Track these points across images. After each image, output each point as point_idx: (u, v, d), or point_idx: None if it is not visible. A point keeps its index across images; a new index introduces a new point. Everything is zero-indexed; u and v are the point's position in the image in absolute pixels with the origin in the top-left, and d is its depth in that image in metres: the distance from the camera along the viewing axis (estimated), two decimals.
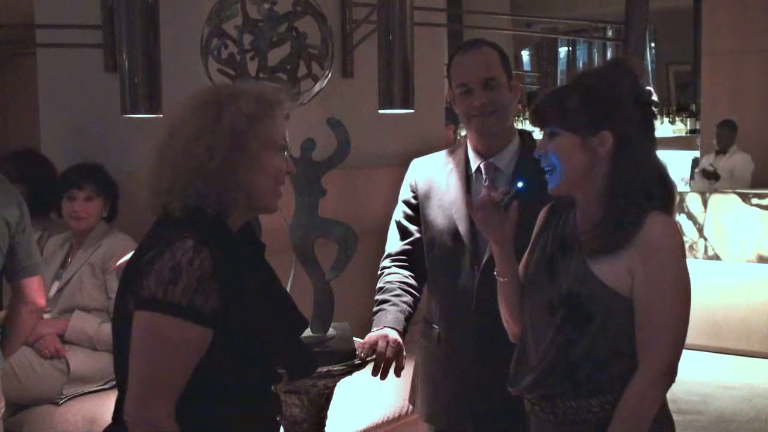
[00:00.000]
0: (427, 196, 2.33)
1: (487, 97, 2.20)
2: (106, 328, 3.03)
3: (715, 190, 7.03)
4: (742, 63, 8.48)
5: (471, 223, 2.20)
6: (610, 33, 9.96)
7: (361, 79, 3.70)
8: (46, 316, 2.99)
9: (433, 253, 2.31)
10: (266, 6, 2.27)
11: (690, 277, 1.77)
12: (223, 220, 1.63)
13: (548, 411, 1.82)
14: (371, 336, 2.19)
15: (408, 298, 2.30)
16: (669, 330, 1.73)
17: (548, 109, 1.83)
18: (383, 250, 2.42)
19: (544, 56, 13.57)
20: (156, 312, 1.51)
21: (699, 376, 5.44)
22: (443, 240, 2.27)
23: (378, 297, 2.31)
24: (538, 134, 2.01)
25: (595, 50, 12.38)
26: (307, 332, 2.16)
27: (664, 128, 10.87)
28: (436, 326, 2.33)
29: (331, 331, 2.26)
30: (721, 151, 7.96)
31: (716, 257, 6.67)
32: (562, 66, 13.47)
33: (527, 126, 10.06)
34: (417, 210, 2.37)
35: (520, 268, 1.96)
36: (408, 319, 2.27)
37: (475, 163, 2.29)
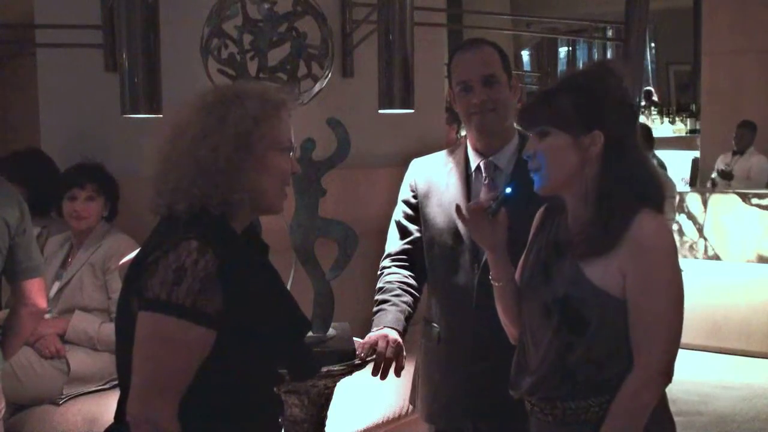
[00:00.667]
0: (427, 196, 2.34)
1: (487, 94, 2.20)
2: (107, 328, 3.03)
3: (714, 190, 7.04)
4: (742, 63, 8.49)
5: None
6: (610, 33, 9.97)
7: (361, 79, 3.70)
8: (47, 316, 2.99)
9: (432, 253, 2.31)
10: (266, 6, 2.27)
11: (682, 275, 1.77)
12: (228, 221, 1.63)
13: (548, 412, 1.82)
14: (371, 336, 2.19)
15: (408, 298, 2.30)
16: (663, 329, 1.72)
17: (539, 108, 1.82)
18: (383, 250, 2.42)
19: (544, 56, 13.57)
20: (160, 313, 1.51)
21: (699, 376, 5.44)
22: (443, 239, 2.27)
23: (378, 297, 2.31)
24: None
25: (595, 50, 12.38)
26: (309, 331, 2.16)
27: (664, 128, 10.87)
28: (436, 325, 2.33)
29: (331, 331, 2.26)
30: (739, 152, 7.91)
31: (716, 257, 6.68)
32: (562, 66, 13.47)
33: None
34: (417, 210, 2.37)
35: (517, 271, 1.96)
36: (408, 319, 2.27)
37: (474, 162, 2.29)
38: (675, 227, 6.65)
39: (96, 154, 3.34)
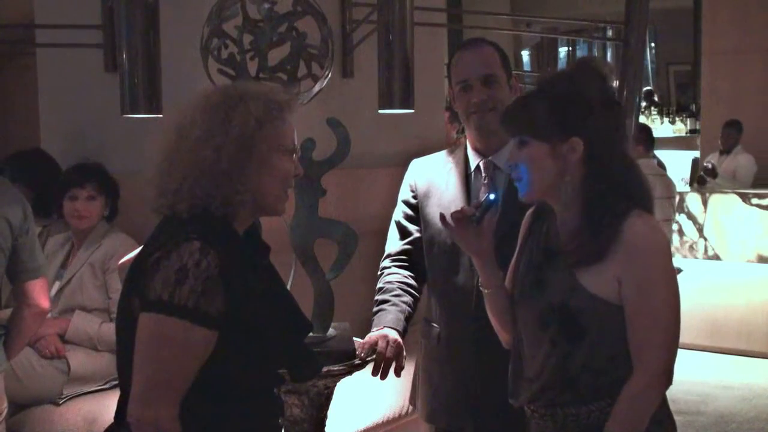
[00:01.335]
0: (427, 196, 2.34)
1: (487, 93, 2.20)
2: (107, 329, 3.03)
3: (715, 190, 7.04)
4: (742, 63, 8.49)
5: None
6: (610, 33, 9.97)
7: (361, 79, 3.70)
8: (47, 316, 2.99)
9: (432, 253, 2.31)
10: (266, 6, 2.27)
11: (680, 274, 1.77)
12: (229, 221, 1.63)
13: (548, 418, 1.82)
14: (371, 336, 2.19)
15: (408, 298, 2.30)
16: (661, 332, 1.71)
17: (516, 117, 1.80)
18: (383, 250, 2.42)
19: (544, 56, 13.57)
20: (161, 314, 1.51)
21: (699, 376, 5.44)
22: (442, 239, 2.27)
23: (378, 297, 2.31)
24: None
25: (595, 50, 12.38)
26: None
27: (664, 128, 10.88)
28: (436, 325, 2.33)
29: (331, 331, 2.26)
30: (726, 151, 7.94)
31: (716, 257, 6.69)
32: (562, 66, 13.46)
33: None
34: (416, 210, 2.37)
35: (508, 276, 1.95)
36: (408, 319, 2.27)
37: (474, 161, 2.29)
38: (675, 227, 6.66)
39: (96, 154, 3.34)
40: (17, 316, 2.63)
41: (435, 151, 2.45)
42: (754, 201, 6.54)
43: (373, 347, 2.15)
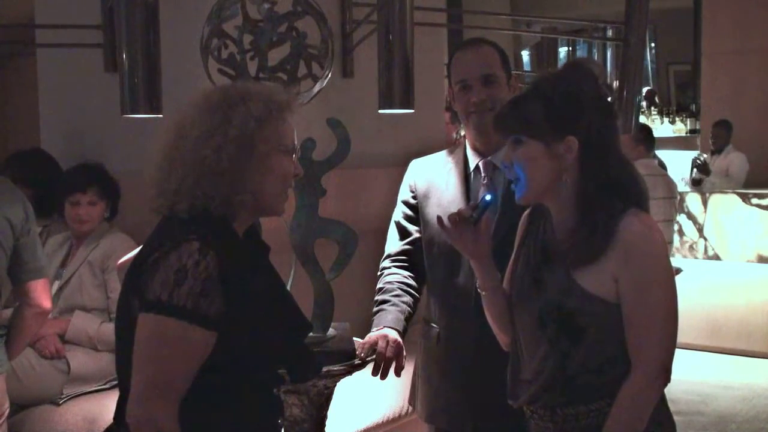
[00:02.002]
0: (427, 196, 2.34)
1: (486, 93, 2.20)
2: (107, 328, 3.03)
3: (715, 190, 7.04)
4: (742, 63, 8.49)
5: None
6: (610, 33, 9.95)
7: (361, 79, 3.70)
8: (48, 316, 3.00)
9: (432, 253, 2.31)
10: (266, 6, 2.27)
11: (679, 273, 1.77)
12: (229, 222, 1.63)
13: (547, 419, 1.81)
14: (371, 336, 2.19)
15: (408, 298, 2.30)
16: (659, 330, 1.71)
17: (510, 117, 1.79)
18: (383, 250, 2.42)
19: (544, 56, 13.57)
20: (161, 315, 1.51)
21: (699, 376, 5.44)
22: (442, 239, 2.26)
23: (378, 297, 2.31)
24: None
25: (595, 50, 12.37)
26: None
27: (664, 128, 10.87)
28: (435, 326, 2.33)
29: (331, 331, 2.26)
30: (717, 151, 7.95)
31: (716, 257, 6.68)
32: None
33: None
34: (416, 210, 2.37)
35: (506, 277, 1.94)
36: (408, 319, 2.27)
37: (473, 161, 2.29)
38: (675, 227, 6.66)
39: (96, 154, 3.34)
40: (18, 317, 2.63)
41: (435, 151, 2.45)
42: (754, 201, 6.54)
43: (373, 347, 2.15)
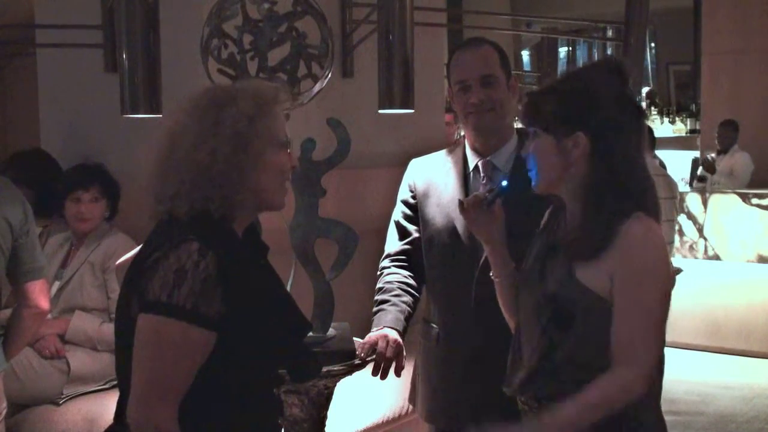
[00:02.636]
0: (426, 195, 2.34)
1: (485, 94, 2.20)
2: (107, 329, 3.03)
3: (715, 190, 7.04)
4: (742, 63, 8.49)
5: None
6: (610, 33, 9.96)
7: (361, 79, 3.70)
8: (47, 316, 2.99)
9: (431, 252, 2.31)
10: (266, 6, 2.27)
11: (669, 285, 1.74)
12: (228, 222, 1.63)
13: (536, 411, 1.82)
14: (371, 336, 2.19)
15: (407, 298, 2.30)
16: (645, 334, 1.70)
17: (529, 109, 1.83)
18: (383, 250, 2.42)
19: (544, 56, 13.57)
20: (160, 315, 1.51)
21: (699, 376, 5.44)
22: (442, 239, 2.27)
23: (377, 297, 2.31)
24: None
25: (595, 50, 12.38)
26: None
27: (664, 128, 10.88)
28: (435, 325, 2.33)
29: (331, 331, 2.26)
30: (723, 151, 7.95)
31: (716, 257, 6.68)
32: (562, 66, 13.46)
33: None
34: (416, 210, 2.37)
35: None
36: (408, 318, 2.27)
37: (473, 161, 2.29)
38: (675, 227, 6.66)
39: (96, 154, 3.34)
40: (16, 317, 2.63)
41: (435, 151, 2.45)
42: (754, 201, 6.53)
43: (373, 347, 2.15)
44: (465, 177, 2.29)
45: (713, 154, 7.91)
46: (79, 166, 3.25)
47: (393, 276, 2.34)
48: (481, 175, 2.27)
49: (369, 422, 3.28)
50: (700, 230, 6.76)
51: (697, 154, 9.24)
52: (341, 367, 2.11)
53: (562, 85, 1.81)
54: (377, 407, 3.33)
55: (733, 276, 6.32)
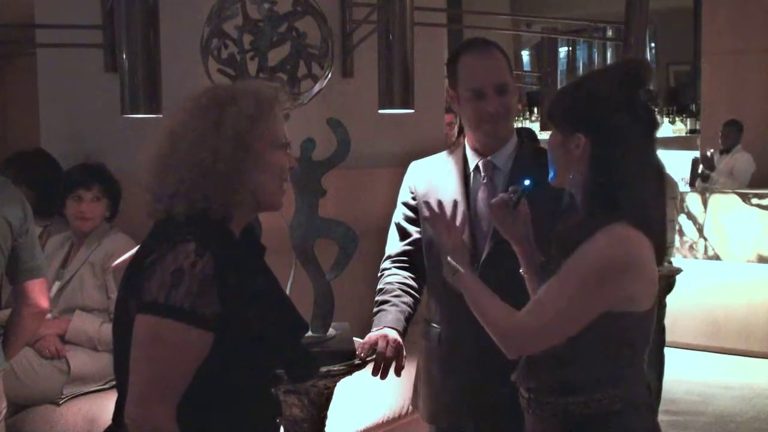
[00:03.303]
0: (426, 197, 2.33)
1: (501, 102, 2.20)
2: (107, 329, 3.02)
3: (715, 190, 7.04)
4: (742, 63, 8.49)
5: (469, 222, 2.20)
6: (610, 33, 9.95)
7: (361, 79, 3.70)
8: (48, 316, 2.99)
9: (432, 253, 2.31)
10: (266, 6, 2.28)
11: (608, 298, 1.70)
12: (226, 222, 1.63)
13: (535, 406, 1.85)
14: (371, 336, 2.19)
15: (408, 299, 2.30)
16: (552, 315, 1.72)
17: (549, 106, 1.89)
18: (383, 250, 2.42)
19: (544, 56, 13.56)
20: (158, 316, 1.51)
21: (699, 376, 5.44)
22: None
23: (378, 298, 2.31)
24: (541, 133, 2.03)
25: (595, 50, 12.37)
26: (307, 332, 2.16)
27: (664, 128, 10.87)
28: (436, 326, 2.33)
29: (331, 331, 2.26)
30: (725, 150, 7.95)
31: (716, 257, 6.68)
32: (562, 66, 13.43)
33: (526, 125, 10.07)
34: (416, 211, 2.37)
35: None
36: (408, 319, 2.27)
37: (473, 161, 2.29)
38: (675, 227, 6.66)
39: (96, 153, 3.34)
40: (16, 316, 2.63)
41: (435, 151, 2.45)
42: (754, 201, 6.53)
43: (373, 347, 2.15)
44: (465, 177, 2.29)
45: (712, 150, 7.91)
46: (81, 166, 3.25)
47: (393, 277, 2.34)
48: (482, 174, 2.27)
49: (369, 422, 3.29)
50: (700, 230, 6.76)
51: (697, 154, 9.23)
52: (341, 367, 2.12)
53: (577, 85, 1.86)
54: (377, 407, 3.33)
55: (733, 276, 6.33)
